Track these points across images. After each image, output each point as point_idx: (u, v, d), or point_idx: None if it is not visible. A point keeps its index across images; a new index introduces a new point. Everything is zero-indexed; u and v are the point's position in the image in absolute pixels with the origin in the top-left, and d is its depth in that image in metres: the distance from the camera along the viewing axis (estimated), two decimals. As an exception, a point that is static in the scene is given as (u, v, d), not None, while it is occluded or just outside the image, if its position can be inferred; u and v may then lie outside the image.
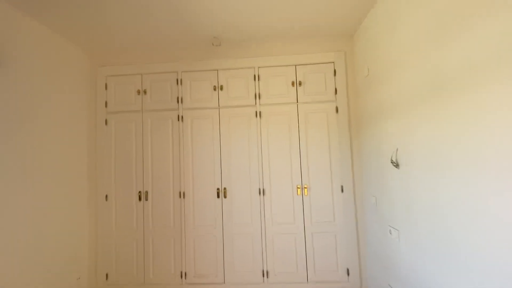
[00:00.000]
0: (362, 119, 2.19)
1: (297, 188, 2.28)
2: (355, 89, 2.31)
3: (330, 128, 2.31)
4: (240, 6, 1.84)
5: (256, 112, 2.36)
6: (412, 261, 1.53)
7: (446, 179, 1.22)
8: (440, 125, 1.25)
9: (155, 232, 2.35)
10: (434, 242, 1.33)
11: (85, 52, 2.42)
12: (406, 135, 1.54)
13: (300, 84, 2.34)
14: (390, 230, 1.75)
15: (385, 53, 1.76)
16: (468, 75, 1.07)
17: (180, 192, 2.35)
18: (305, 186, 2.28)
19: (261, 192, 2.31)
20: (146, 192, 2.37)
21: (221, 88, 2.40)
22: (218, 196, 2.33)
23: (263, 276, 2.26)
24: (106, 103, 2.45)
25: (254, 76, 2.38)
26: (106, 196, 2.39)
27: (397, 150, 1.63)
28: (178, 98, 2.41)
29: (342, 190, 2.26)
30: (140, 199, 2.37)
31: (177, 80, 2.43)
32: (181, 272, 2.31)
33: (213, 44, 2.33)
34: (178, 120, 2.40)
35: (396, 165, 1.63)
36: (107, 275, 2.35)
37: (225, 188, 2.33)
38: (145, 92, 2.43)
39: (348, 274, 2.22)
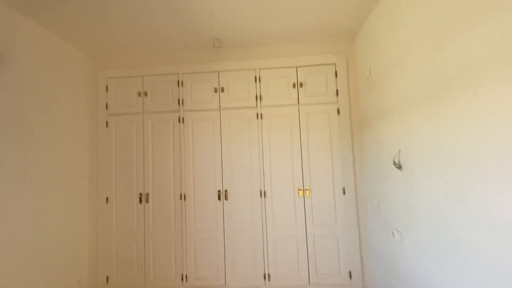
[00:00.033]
0: (364, 120, 2.18)
1: (299, 190, 2.27)
2: (357, 90, 2.30)
3: (332, 129, 2.30)
4: (241, 7, 1.84)
5: (257, 113, 2.35)
6: (416, 263, 1.52)
7: (448, 179, 1.21)
8: (440, 125, 1.25)
9: (155, 234, 2.33)
10: (437, 244, 1.31)
11: (86, 54, 2.42)
12: (408, 136, 1.53)
13: (301, 85, 2.34)
14: (393, 232, 1.73)
15: (386, 54, 1.76)
16: (468, 75, 1.07)
17: (181, 194, 2.34)
18: (307, 188, 2.27)
19: (263, 194, 2.29)
20: (147, 195, 2.36)
21: (222, 90, 2.39)
22: (219, 198, 2.32)
23: (265, 278, 2.24)
24: (106, 105, 2.45)
25: (255, 77, 2.38)
26: (107, 199, 2.38)
27: (399, 151, 1.62)
28: (179, 100, 2.41)
29: (344, 192, 2.25)
30: (140, 201, 2.36)
31: (178, 82, 2.42)
32: (182, 275, 2.29)
33: (214, 46, 2.33)
34: (179, 122, 2.40)
35: (399, 167, 1.62)
36: (107, 277, 2.33)
37: (226, 190, 2.32)
38: (146, 94, 2.43)
39: (350, 277, 2.20)
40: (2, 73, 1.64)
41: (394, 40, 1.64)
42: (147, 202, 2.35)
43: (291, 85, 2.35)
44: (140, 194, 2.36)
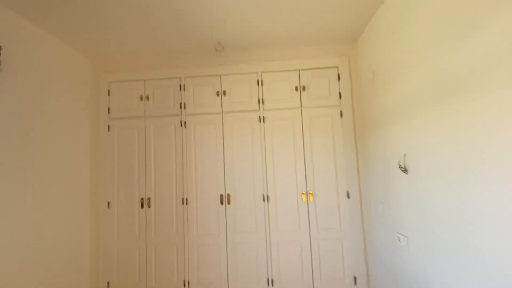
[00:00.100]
0: (368, 123, 2.16)
1: (302, 194, 2.24)
2: (360, 93, 2.28)
3: (335, 132, 2.28)
4: (243, 10, 1.83)
5: (259, 117, 2.34)
6: (422, 268, 1.49)
7: (455, 183, 1.19)
8: (446, 128, 1.23)
9: (157, 239, 2.31)
10: (447, 249, 1.29)
11: (87, 58, 2.42)
12: (413, 139, 1.51)
13: (304, 88, 2.33)
14: (398, 237, 1.71)
15: (389, 57, 1.74)
16: (474, 77, 1.06)
17: (183, 199, 2.32)
18: (310, 192, 2.24)
19: (265, 198, 2.27)
20: (149, 199, 2.34)
21: (224, 93, 2.38)
22: (221, 203, 2.29)
23: (268, 284, 2.21)
24: (108, 109, 2.44)
25: (258, 81, 2.37)
26: (108, 203, 2.36)
27: (405, 155, 1.60)
28: (181, 103, 2.40)
29: (348, 196, 2.22)
30: (142, 206, 2.34)
31: (180, 85, 2.42)
32: (184, 281, 2.26)
33: (216, 50, 2.33)
34: (181, 125, 2.38)
35: (405, 170, 1.60)
36: (108, 283, 2.30)
37: (228, 194, 2.29)
38: (147, 98, 2.42)
39: (355, 282, 2.17)
40: (2, 75, 1.64)
41: (398, 42, 1.62)
42: (149, 206, 2.33)
43: (294, 88, 2.34)
44: (142, 198, 2.34)
